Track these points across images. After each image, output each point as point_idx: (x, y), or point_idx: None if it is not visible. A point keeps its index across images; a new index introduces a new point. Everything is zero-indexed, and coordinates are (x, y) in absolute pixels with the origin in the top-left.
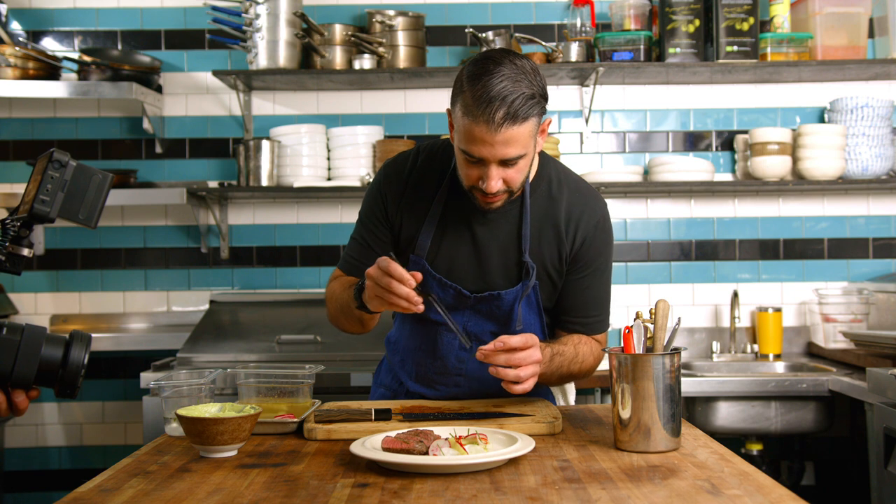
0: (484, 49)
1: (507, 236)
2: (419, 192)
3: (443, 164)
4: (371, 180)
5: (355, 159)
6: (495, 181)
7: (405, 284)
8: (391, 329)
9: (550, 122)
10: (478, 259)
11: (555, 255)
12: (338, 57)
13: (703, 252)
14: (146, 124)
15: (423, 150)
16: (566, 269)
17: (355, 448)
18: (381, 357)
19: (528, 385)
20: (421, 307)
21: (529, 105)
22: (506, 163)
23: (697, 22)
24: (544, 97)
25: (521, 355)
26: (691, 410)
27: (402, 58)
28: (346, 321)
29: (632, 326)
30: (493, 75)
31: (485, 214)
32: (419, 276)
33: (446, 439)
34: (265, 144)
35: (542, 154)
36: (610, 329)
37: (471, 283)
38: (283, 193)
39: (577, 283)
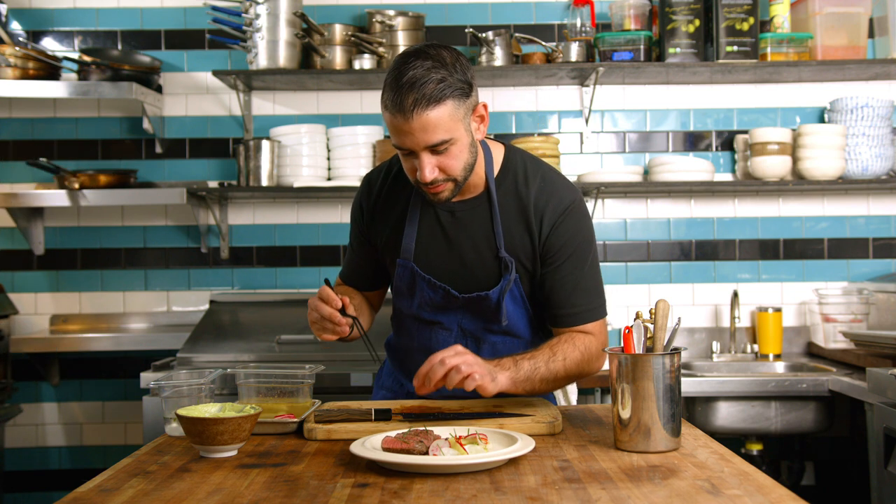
0: (484, 49)
1: (478, 233)
2: (395, 198)
3: None
4: None
5: (355, 159)
6: (429, 169)
7: (330, 305)
8: (390, 333)
9: (487, 107)
10: (455, 258)
11: (528, 248)
12: (338, 57)
13: (703, 252)
14: (146, 124)
15: (398, 158)
16: (540, 259)
17: (355, 448)
18: (381, 358)
19: (479, 377)
20: (346, 328)
21: (441, 88)
22: (434, 150)
23: (697, 22)
24: (466, 83)
25: (451, 359)
26: (691, 410)
27: None
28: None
29: (632, 326)
30: (407, 66)
31: (453, 213)
32: (346, 299)
33: (446, 439)
34: (265, 144)
35: (509, 148)
36: (610, 329)
37: (455, 282)
38: (283, 193)
39: (555, 272)
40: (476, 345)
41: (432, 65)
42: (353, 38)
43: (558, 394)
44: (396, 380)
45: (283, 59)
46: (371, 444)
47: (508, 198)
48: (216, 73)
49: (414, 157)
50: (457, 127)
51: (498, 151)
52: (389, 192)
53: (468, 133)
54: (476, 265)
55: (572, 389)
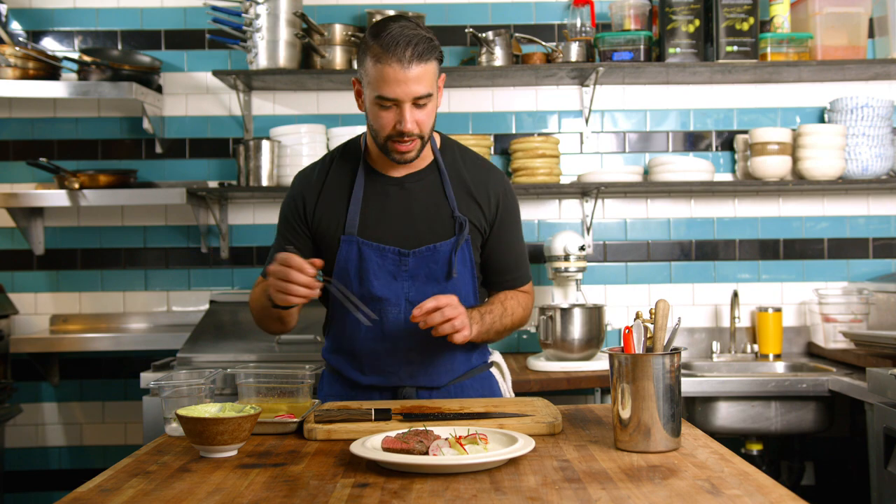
0: (484, 49)
1: (429, 201)
2: (337, 183)
3: (356, 153)
4: None
5: None
6: (411, 122)
7: (305, 273)
8: (324, 343)
9: (445, 78)
10: (405, 224)
11: (477, 216)
12: (338, 57)
13: (703, 252)
14: (146, 124)
15: (335, 150)
16: (488, 232)
17: (355, 448)
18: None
19: (465, 333)
20: (318, 292)
21: (429, 48)
22: (417, 104)
23: (697, 22)
24: (439, 49)
25: (448, 310)
26: (691, 410)
27: None
28: (268, 322)
29: (632, 326)
30: (397, 25)
31: (401, 185)
32: (319, 262)
33: (446, 439)
34: (265, 144)
35: (442, 134)
36: (609, 329)
37: (404, 244)
38: (283, 193)
39: (501, 244)
40: None
41: (414, 27)
42: (353, 38)
43: (502, 385)
44: (344, 382)
45: (283, 59)
46: (371, 444)
47: (451, 171)
48: (216, 73)
49: (397, 108)
50: (434, 86)
51: (436, 135)
52: (332, 178)
53: (437, 95)
54: (427, 229)
55: (507, 374)
